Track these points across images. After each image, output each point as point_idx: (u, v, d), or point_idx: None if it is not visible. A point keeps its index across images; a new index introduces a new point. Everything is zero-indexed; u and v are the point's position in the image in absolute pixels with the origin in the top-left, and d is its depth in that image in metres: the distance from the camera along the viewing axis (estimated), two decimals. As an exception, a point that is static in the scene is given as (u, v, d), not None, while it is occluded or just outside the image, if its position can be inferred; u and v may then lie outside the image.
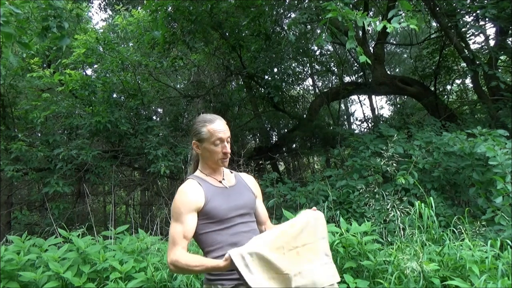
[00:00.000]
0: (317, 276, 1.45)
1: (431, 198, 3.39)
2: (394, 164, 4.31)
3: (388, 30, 3.22)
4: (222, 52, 8.24)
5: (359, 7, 7.09)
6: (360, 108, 24.46)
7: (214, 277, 1.62)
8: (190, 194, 1.65)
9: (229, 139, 1.75)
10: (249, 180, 1.90)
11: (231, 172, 1.88)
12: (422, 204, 3.30)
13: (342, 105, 12.79)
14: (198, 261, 1.53)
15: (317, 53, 9.76)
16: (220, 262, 1.46)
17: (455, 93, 9.99)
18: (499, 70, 6.05)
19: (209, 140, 1.70)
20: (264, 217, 1.87)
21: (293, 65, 9.39)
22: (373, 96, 11.40)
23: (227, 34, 7.42)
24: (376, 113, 11.69)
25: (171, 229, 1.63)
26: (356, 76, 10.35)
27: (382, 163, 4.33)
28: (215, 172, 1.78)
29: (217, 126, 1.71)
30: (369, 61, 3.55)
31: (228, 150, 1.72)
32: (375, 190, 4.23)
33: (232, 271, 1.56)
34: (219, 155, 1.71)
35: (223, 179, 1.79)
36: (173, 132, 7.33)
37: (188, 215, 1.62)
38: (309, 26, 9.03)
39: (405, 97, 10.17)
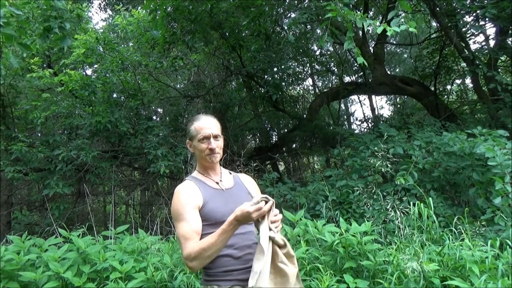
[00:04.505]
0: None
1: (430, 198, 3.40)
2: (389, 165, 4.31)
3: (388, 33, 3.22)
4: (222, 52, 8.23)
5: (359, 7, 7.09)
6: (360, 108, 24.49)
7: (211, 278, 1.62)
8: (188, 193, 1.65)
9: (218, 137, 1.74)
10: (248, 181, 1.88)
11: (230, 173, 1.87)
12: (422, 204, 3.30)
13: (342, 105, 12.79)
14: (209, 237, 1.53)
15: (317, 53, 9.77)
16: (230, 218, 1.49)
17: (455, 93, 9.99)
18: (499, 71, 6.05)
19: (196, 138, 1.73)
20: None
21: (293, 65, 9.39)
22: (373, 96, 11.40)
23: (227, 34, 7.42)
24: (376, 113, 11.69)
25: (177, 231, 1.61)
26: (356, 76, 10.35)
27: (377, 163, 4.33)
28: (212, 172, 1.78)
29: (202, 123, 1.73)
30: (366, 63, 3.55)
31: (213, 146, 1.71)
32: (373, 191, 4.23)
33: (229, 272, 1.57)
34: (206, 152, 1.72)
35: (221, 180, 1.78)
36: (173, 132, 7.33)
37: (191, 212, 1.61)
38: (309, 26, 9.03)
39: (405, 97, 10.18)
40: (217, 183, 1.76)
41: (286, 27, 8.24)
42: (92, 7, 9.86)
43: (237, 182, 1.84)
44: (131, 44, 7.89)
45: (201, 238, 1.63)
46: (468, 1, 5.88)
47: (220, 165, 1.87)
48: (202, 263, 1.55)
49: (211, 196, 1.68)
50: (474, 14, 5.75)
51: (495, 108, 5.70)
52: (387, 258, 2.90)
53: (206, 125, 1.73)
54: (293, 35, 7.24)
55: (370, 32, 8.98)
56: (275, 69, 8.28)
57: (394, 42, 11.17)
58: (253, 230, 1.75)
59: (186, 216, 1.60)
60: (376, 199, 4.16)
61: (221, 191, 1.73)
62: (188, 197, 1.64)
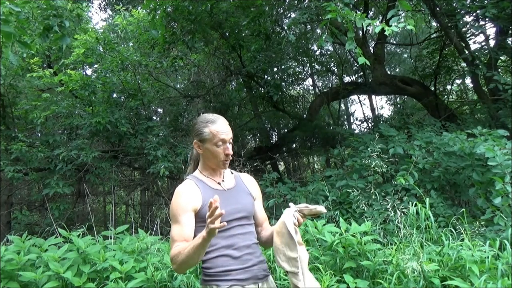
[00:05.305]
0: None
1: (428, 198, 3.41)
2: (385, 166, 4.32)
3: (386, 33, 3.22)
4: (222, 52, 8.23)
5: (359, 7, 7.09)
6: (360, 108, 24.45)
7: (210, 277, 1.62)
8: (187, 195, 1.64)
9: (231, 140, 1.72)
10: (249, 181, 1.87)
11: (232, 173, 1.86)
12: (420, 205, 3.31)
13: (342, 105, 12.79)
14: (188, 243, 1.52)
15: (317, 53, 9.77)
16: (203, 231, 1.42)
17: (455, 93, 9.99)
18: (499, 71, 6.04)
19: (212, 141, 1.68)
20: (262, 219, 1.84)
21: (293, 65, 9.39)
22: (373, 96, 11.39)
23: (227, 34, 7.41)
24: (376, 113, 11.68)
25: (170, 232, 1.63)
26: (356, 76, 10.36)
27: (373, 163, 4.34)
28: (215, 173, 1.76)
29: (219, 127, 1.69)
30: (368, 63, 3.54)
31: (230, 151, 1.69)
32: (371, 192, 4.23)
33: (228, 271, 1.57)
34: (221, 157, 1.69)
35: (223, 180, 1.77)
36: (173, 132, 7.33)
37: (185, 215, 1.61)
38: (309, 26, 9.03)
39: (405, 97, 10.17)
40: (219, 183, 1.75)
41: (286, 27, 8.24)
42: (92, 7, 9.87)
43: (239, 182, 1.82)
44: (131, 44, 7.89)
45: None
46: (468, 1, 5.88)
47: None
48: (180, 267, 1.55)
49: (211, 197, 1.67)
50: (474, 14, 5.75)
51: (495, 108, 5.70)
52: (387, 258, 2.91)
53: (224, 129, 1.69)
54: (293, 35, 7.24)
55: (370, 32, 8.97)
56: (275, 69, 8.28)
57: (394, 42, 11.17)
58: (253, 231, 1.74)
59: (179, 218, 1.61)
60: (375, 199, 4.16)
61: (222, 191, 1.71)
62: (186, 199, 1.63)
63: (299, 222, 1.58)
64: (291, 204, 1.64)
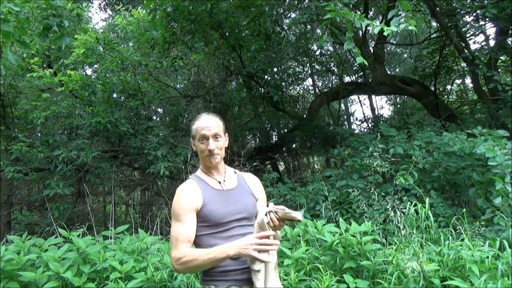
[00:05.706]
0: None
1: (427, 198, 3.41)
2: (387, 165, 4.32)
3: (385, 34, 3.22)
4: (222, 52, 8.23)
5: (359, 7, 7.09)
6: (360, 108, 24.46)
7: (209, 277, 1.63)
8: (188, 195, 1.65)
9: (219, 137, 1.70)
10: (252, 181, 1.85)
11: (235, 173, 1.85)
12: (420, 205, 3.31)
13: (342, 105, 12.79)
14: (205, 249, 1.56)
15: (317, 53, 9.77)
16: (229, 250, 1.50)
17: (455, 93, 9.99)
18: (499, 71, 6.04)
19: (196, 138, 1.71)
20: None
21: (293, 65, 9.39)
22: (373, 96, 11.39)
23: (227, 34, 7.41)
24: (376, 113, 11.68)
25: (172, 230, 1.63)
26: (356, 76, 10.35)
27: (375, 163, 4.34)
28: (216, 171, 1.76)
29: (201, 123, 1.69)
30: (366, 63, 3.54)
31: (211, 147, 1.67)
32: (371, 191, 4.23)
33: (226, 272, 1.58)
34: (205, 153, 1.70)
35: (224, 180, 1.76)
36: (173, 132, 7.33)
37: (188, 215, 1.61)
38: (309, 26, 9.03)
39: (405, 97, 10.18)
40: (220, 183, 1.74)
41: (286, 27, 8.24)
42: (92, 7, 9.86)
43: (241, 182, 1.81)
44: (131, 44, 7.89)
45: (199, 239, 1.64)
46: (468, 1, 5.87)
47: (225, 163, 1.85)
48: (186, 270, 1.64)
49: (212, 197, 1.67)
50: (474, 14, 5.75)
51: (495, 108, 5.70)
52: (387, 258, 2.91)
53: (206, 124, 1.68)
54: (293, 35, 7.24)
55: (370, 32, 8.97)
56: (275, 69, 8.27)
57: (394, 42, 11.17)
58: (253, 231, 1.74)
59: (182, 218, 1.61)
60: (373, 199, 4.15)
61: (223, 191, 1.71)
62: (188, 198, 1.64)
63: (274, 223, 1.57)
64: (270, 204, 1.62)
